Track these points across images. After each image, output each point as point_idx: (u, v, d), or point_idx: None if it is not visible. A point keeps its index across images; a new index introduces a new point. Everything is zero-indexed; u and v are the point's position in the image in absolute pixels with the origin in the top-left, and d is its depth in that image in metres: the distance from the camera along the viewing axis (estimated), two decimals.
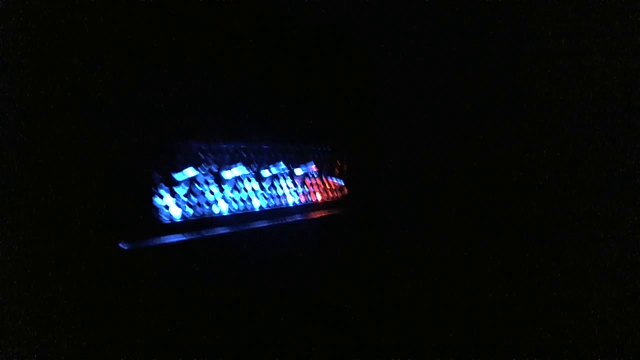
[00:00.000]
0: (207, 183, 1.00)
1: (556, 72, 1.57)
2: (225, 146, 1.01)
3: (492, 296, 1.68)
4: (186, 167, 0.94)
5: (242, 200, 1.06)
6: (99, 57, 0.79)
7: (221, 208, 1.02)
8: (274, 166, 1.07)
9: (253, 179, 1.07)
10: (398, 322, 1.72)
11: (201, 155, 0.97)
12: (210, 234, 0.97)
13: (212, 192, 1.01)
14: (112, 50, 0.80)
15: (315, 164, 1.15)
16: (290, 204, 1.15)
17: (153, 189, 0.91)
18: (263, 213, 1.08)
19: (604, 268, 1.51)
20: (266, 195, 1.10)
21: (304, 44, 1.16)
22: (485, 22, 1.70)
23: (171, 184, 0.94)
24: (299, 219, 1.14)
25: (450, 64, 1.77)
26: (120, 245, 0.84)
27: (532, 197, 1.65)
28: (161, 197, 0.93)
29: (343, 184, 1.24)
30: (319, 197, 1.21)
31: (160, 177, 0.93)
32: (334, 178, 1.21)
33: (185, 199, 0.97)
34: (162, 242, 0.90)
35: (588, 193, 1.55)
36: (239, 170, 0.98)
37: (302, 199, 1.17)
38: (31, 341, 0.81)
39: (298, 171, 1.14)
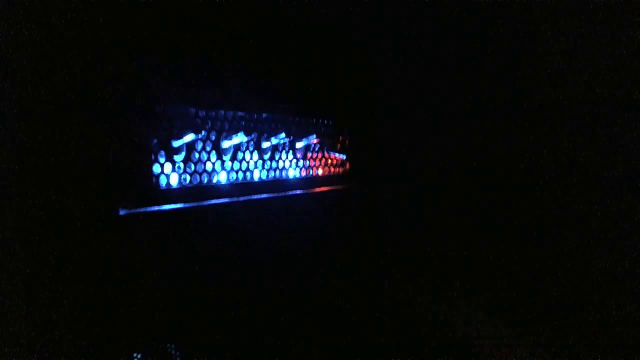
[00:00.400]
0: (205, 150, 0.99)
1: (556, 72, 1.58)
2: (224, 113, 1.00)
3: (492, 296, 1.67)
4: (185, 133, 0.93)
5: (241, 170, 1.05)
6: (101, 23, 0.79)
7: (220, 177, 1.01)
8: (275, 137, 1.06)
9: (253, 151, 1.06)
10: (398, 321, 1.70)
11: (200, 122, 0.97)
12: (207, 201, 0.96)
13: (211, 160, 1.00)
14: (113, 13, 0.80)
15: (317, 136, 1.14)
16: (291, 177, 1.14)
17: (152, 155, 0.90)
18: (262, 184, 1.07)
19: (604, 268, 1.50)
20: (266, 166, 1.09)
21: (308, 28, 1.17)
22: (485, 22, 1.71)
23: (170, 151, 0.93)
24: (298, 192, 1.13)
25: (450, 64, 1.78)
26: (120, 211, 0.82)
27: (532, 197, 1.65)
28: (160, 163, 0.92)
29: (344, 158, 1.23)
30: (320, 172, 1.20)
31: (159, 143, 0.91)
32: (335, 153, 1.20)
33: (183, 166, 0.96)
34: (160, 208, 0.89)
35: (588, 193, 1.54)
36: (238, 138, 0.97)
37: (303, 173, 1.16)
38: (29, 303, 0.80)
39: (299, 144, 1.13)
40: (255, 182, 1.07)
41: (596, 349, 1.47)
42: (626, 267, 1.47)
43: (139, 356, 0.87)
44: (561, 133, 1.61)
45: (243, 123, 1.03)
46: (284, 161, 1.14)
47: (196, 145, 0.96)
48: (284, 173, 1.14)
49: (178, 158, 0.95)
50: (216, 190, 1.00)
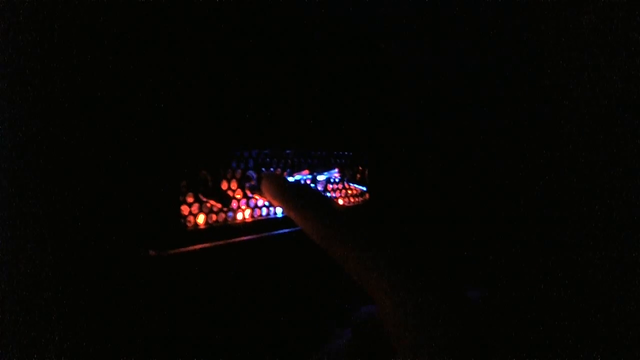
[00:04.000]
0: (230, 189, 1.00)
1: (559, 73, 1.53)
2: (249, 153, 1.01)
3: (492, 296, 1.69)
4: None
5: (264, 206, 1.07)
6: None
7: (244, 214, 1.03)
8: (298, 173, 1.08)
9: None
10: None
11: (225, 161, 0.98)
12: (232, 239, 0.99)
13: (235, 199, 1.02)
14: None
15: (338, 170, 1.15)
16: None
17: (180, 197, 0.91)
18: (284, 218, 1.09)
19: (605, 268, 1.51)
20: None
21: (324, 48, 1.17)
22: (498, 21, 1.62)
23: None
24: None
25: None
26: (149, 250, 0.84)
27: (531, 197, 1.65)
28: (187, 204, 0.93)
29: (364, 190, 1.25)
30: (340, 202, 1.22)
31: (186, 184, 0.93)
32: (355, 184, 1.23)
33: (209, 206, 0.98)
34: (188, 247, 0.91)
35: (589, 193, 1.54)
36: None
37: None
38: (55, 344, 0.80)
39: (321, 177, 1.15)
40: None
41: (596, 349, 1.49)
42: (626, 268, 1.48)
43: None
44: (562, 133, 1.59)
45: (268, 159, 1.04)
46: None
47: None
48: None
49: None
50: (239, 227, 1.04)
